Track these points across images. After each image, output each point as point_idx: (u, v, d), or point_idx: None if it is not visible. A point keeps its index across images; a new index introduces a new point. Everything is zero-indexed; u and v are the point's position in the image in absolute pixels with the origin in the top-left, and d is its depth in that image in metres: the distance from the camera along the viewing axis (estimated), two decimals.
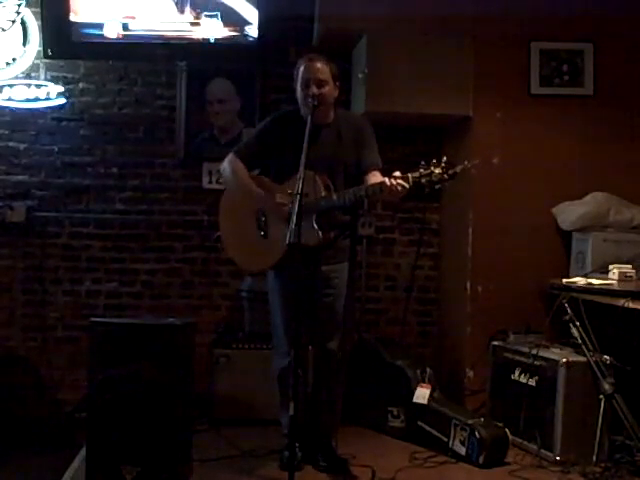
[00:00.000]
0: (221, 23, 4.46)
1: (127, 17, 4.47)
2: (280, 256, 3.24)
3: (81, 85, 4.66)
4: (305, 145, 3.03)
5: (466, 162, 3.00)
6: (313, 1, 4.37)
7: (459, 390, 4.28)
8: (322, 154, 3.23)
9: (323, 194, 3.19)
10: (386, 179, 3.04)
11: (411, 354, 4.26)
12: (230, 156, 3.45)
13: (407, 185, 2.98)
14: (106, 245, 4.67)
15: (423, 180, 2.98)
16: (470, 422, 3.58)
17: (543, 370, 3.64)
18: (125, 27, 4.47)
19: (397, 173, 3.01)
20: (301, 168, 2.97)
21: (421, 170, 2.99)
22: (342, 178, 3.27)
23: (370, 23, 4.21)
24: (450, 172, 2.95)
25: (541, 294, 4.16)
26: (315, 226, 3.18)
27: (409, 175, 2.99)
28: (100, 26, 4.46)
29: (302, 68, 3.32)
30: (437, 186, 2.98)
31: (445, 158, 2.98)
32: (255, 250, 3.41)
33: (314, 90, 3.25)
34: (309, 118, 3.17)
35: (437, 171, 2.96)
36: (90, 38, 4.47)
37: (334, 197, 3.19)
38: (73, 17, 4.41)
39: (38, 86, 4.43)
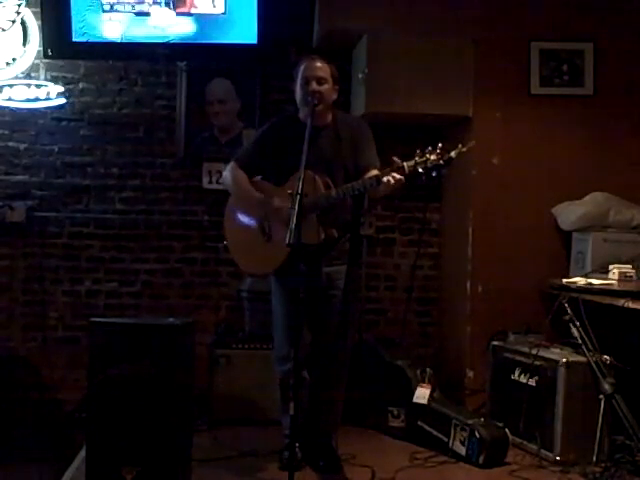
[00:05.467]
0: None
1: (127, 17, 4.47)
2: (284, 258, 3.23)
3: (81, 85, 4.66)
4: (305, 146, 3.03)
5: (460, 145, 3.00)
6: (313, 1, 4.37)
7: (459, 390, 4.28)
8: (321, 155, 3.23)
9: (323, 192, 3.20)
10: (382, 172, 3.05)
11: (411, 354, 4.26)
12: (231, 164, 3.47)
13: (402, 176, 2.98)
14: (106, 245, 4.67)
15: (419, 168, 2.98)
16: (470, 422, 3.58)
17: (543, 370, 3.64)
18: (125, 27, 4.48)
19: (398, 163, 3.01)
20: (301, 168, 2.96)
21: (416, 158, 2.99)
22: (342, 179, 3.26)
23: (370, 23, 4.21)
24: (445, 157, 2.96)
25: (541, 294, 4.16)
26: (317, 224, 3.18)
27: (404, 164, 2.99)
28: (100, 27, 4.47)
29: (302, 67, 3.32)
30: (434, 173, 2.97)
31: (440, 144, 2.98)
32: (259, 254, 3.40)
33: (314, 86, 3.26)
34: (309, 118, 3.17)
35: (432, 157, 2.96)
36: (90, 38, 4.47)
37: (332, 193, 3.20)
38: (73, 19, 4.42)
39: (38, 86, 4.43)
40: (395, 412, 3.97)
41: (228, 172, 3.47)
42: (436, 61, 4.15)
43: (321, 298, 3.34)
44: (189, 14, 4.46)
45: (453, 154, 2.97)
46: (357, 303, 3.45)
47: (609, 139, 4.30)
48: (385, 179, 3.00)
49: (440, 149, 2.97)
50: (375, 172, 3.14)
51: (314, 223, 3.16)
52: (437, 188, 4.73)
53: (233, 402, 4.12)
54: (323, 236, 3.21)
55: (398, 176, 2.98)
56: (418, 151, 3.01)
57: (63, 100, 4.50)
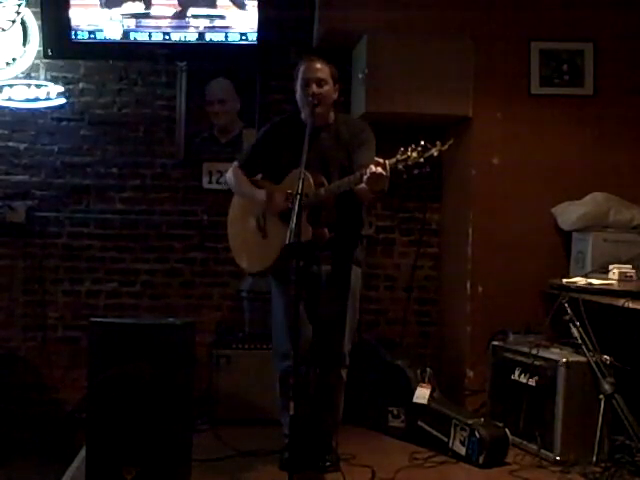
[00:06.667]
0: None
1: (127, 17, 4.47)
2: (277, 254, 3.25)
3: (81, 85, 4.66)
4: (305, 145, 3.04)
5: (438, 143, 2.95)
6: (313, 1, 4.37)
7: (459, 390, 4.28)
8: (320, 155, 3.25)
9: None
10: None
11: (411, 354, 4.26)
12: (233, 166, 3.53)
13: (385, 172, 2.93)
14: (106, 245, 4.67)
15: (400, 166, 2.94)
16: (470, 422, 3.58)
17: (543, 370, 3.64)
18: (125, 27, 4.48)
19: (379, 160, 2.99)
20: (301, 167, 2.97)
21: (398, 156, 2.96)
22: (338, 179, 3.25)
23: (370, 23, 4.21)
24: (426, 155, 2.91)
25: (541, 294, 4.16)
26: (306, 222, 3.18)
27: (386, 162, 2.96)
28: (100, 27, 4.46)
29: (302, 68, 3.34)
30: (415, 171, 2.93)
31: (422, 142, 2.94)
32: (255, 251, 3.43)
33: (314, 89, 3.27)
34: (309, 119, 3.19)
35: (413, 155, 2.92)
36: (90, 38, 4.47)
37: (321, 191, 3.20)
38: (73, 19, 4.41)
39: (38, 86, 4.43)
40: (395, 412, 3.97)
41: (230, 174, 3.54)
42: (436, 61, 4.15)
43: (318, 297, 3.35)
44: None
45: (434, 152, 2.92)
46: (347, 301, 3.41)
47: (609, 139, 4.29)
48: (365, 177, 2.97)
49: (422, 147, 2.93)
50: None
51: (303, 221, 3.16)
52: (437, 188, 4.73)
53: (233, 402, 4.12)
54: (311, 234, 3.21)
55: (380, 170, 2.93)
56: (401, 149, 2.98)
57: (63, 100, 4.50)
